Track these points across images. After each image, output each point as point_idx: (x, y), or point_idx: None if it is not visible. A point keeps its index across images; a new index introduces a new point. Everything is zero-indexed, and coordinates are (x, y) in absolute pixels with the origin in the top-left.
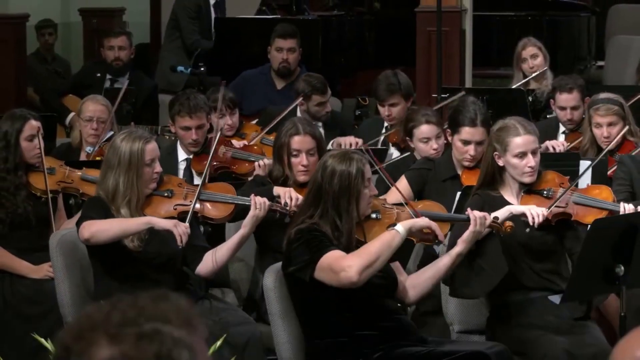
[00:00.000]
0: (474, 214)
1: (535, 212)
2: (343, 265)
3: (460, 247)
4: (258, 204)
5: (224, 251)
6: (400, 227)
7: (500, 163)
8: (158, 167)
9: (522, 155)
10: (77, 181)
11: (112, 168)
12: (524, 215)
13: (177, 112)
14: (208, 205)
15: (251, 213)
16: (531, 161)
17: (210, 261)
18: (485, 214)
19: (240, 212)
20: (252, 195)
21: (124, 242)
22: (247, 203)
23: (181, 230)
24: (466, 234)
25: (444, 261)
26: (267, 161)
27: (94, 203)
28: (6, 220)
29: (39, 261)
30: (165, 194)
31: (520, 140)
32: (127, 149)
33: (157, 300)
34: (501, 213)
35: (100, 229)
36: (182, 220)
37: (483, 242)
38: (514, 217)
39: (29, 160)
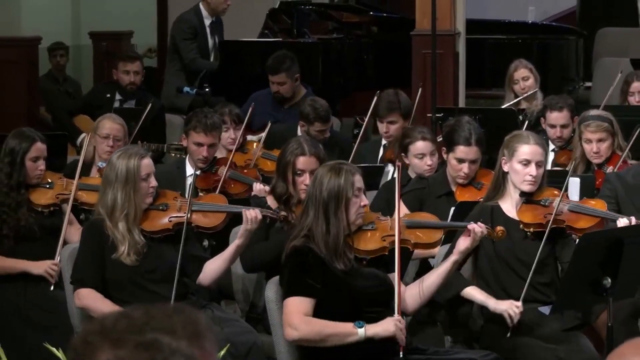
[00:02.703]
0: (472, 226)
1: (513, 312)
2: (293, 323)
3: (456, 255)
4: (250, 217)
5: (221, 261)
6: (363, 332)
7: (505, 168)
8: (153, 182)
9: (526, 162)
10: (75, 190)
11: (110, 184)
12: (502, 315)
13: (193, 128)
14: (200, 215)
15: (244, 226)
16: (533, 171)
17: (209, 271)
18: (482, 226)
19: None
20: (244, 209)
21: (120, 258)
22: (238, 210)
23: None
24: (461, 244)
25: (441, 269)
26: (265, 187)
27: (89, 235)
28: (10, 235)
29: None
30: (161, 208)
31: (528, 148)
32: (124, 165)
33: (171, 312)
34: (481, 298)
35: (91, 309)
36: (179, 232)
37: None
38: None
39: (31, 180)
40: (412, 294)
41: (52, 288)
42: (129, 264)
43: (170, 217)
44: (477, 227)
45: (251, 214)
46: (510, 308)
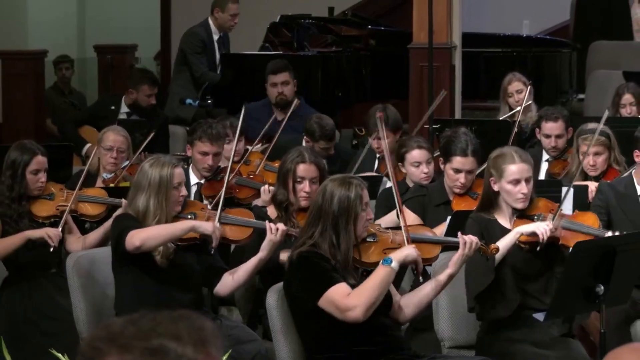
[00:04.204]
0: (464, 238)
1: (543, 229)
2: (349, 305)
3: (451, 269)
4: (274, 230)
5: (243, 273)
6: (395, 263)
7: (496, 188)
8: (184, 191)
9: (516, 182)
10: (74, 201)
11: (142, 190)
12: (533, 234)
13: (198, 138)
14: (228, 227)
15: (268, 238)
16: (524, 188)
17: (228, 282)
18: (474, 238)
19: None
20: (267, 222)
21: (155, 257)
22: (264, 227)
23: (219, 234)
24: (456, 257)
25: (438, 281)
26: (270, 187)
27: (127, 217)
28: None
29: (52, 278)
30: (189, 217)
31: (515, 167)
32: (157, 173)
33: (177, 318)
34: (510, 237)
35: (151, 235)
36: (204, 241)
37: (500, 271)
38: (525, 238)
39: (31, 192)
40: (408, 303)
41: (51, 250)
42: (159, 264)
43: None
44: (468, 239)
45: (276, 226)
46: (539, 226)
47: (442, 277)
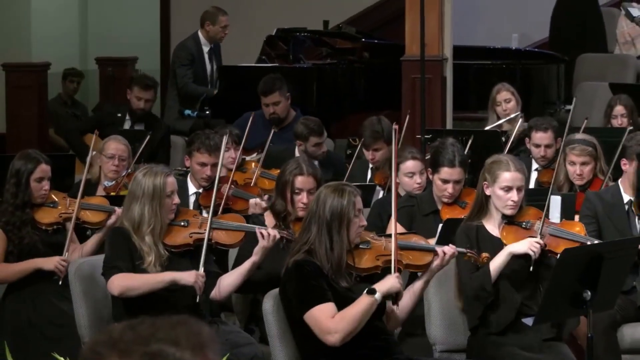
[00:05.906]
0: (442, 249)
1: (535, 248)
2: (329, 329)
3: (427, 276)
4: (266, 235)
5: (236, 277)
6: (379, 295)
7: (488, 193)
8: (176, 199)
9: (507, 189)
10: (77, 209)
11: (137, 199)
12: (526, 254)
13: (196, 149)
14: (220, 232)
15: (260, 243)
16: (514, 196)
17: (224, 286)
18: (449, 249)
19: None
20: (257, 228)
21: (147, 268)
22: (255, 230)
23: (200, 283)
24: (433, 265)
25: (415, 288)
26: (262, 202)
27: (117, 238)
28: (14, 252)
29: (56, 286)
30: (182, 224)
31: (509, 175)
32: (150, 182)
33: (175, 324)
34: (502, 258)
35: (130, 287)
36: (199, 247)
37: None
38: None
39: (35, 199)
40: (395, 315)
41: (60, 283)
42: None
43: (191, 233)
44: (441, 251)
45: (267, 231)
46: (531, 245)
47: (419, 283)
